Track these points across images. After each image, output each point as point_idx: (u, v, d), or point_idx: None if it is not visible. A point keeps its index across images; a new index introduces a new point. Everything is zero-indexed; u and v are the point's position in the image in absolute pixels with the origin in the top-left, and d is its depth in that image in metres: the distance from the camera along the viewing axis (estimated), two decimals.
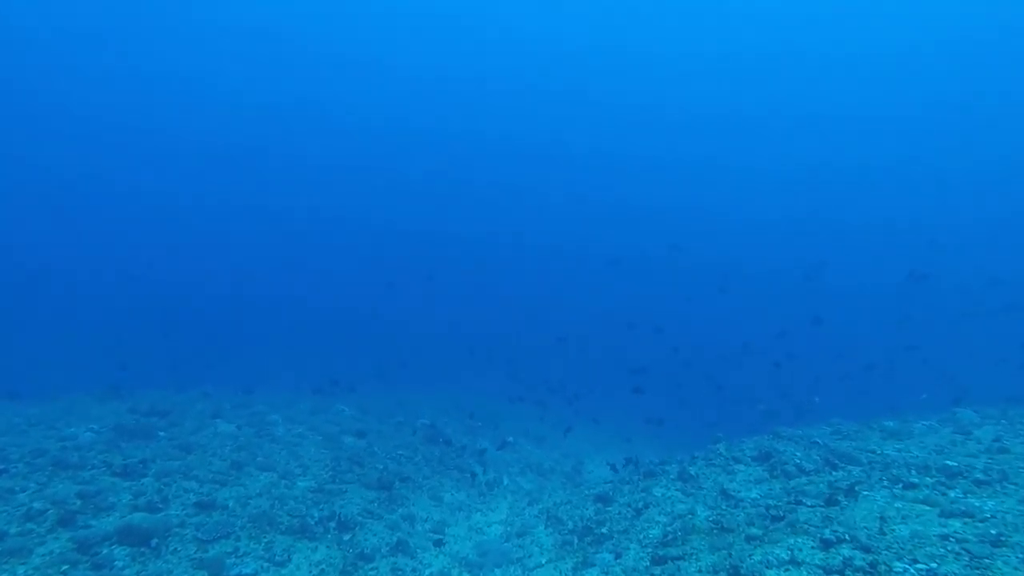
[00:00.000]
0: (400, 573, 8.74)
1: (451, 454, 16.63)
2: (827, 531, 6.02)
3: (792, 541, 6.13)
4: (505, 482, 15.86)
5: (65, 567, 6.61)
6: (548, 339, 28.35)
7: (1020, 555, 4.87)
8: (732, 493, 8.80)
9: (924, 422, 10.13)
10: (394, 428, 17.75)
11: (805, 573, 5.43)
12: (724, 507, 8.43)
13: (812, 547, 5.91)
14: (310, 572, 8.00)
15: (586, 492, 12.38)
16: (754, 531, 6.78)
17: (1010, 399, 13.31)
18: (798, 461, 9.00)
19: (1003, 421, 9.83)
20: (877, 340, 27.09)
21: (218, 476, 9.86)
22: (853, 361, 22.93)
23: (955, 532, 5.55)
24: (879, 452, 8.80)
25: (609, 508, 10.43)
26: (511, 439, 19.72)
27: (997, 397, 14.23)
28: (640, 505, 9.73)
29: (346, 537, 9.33)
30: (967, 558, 4.99)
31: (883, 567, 5.04)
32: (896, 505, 6.68)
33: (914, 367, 21.03)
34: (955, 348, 22.25)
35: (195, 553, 7.61)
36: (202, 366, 29.09)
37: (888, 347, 24.67)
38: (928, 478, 7.30)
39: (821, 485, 7.99)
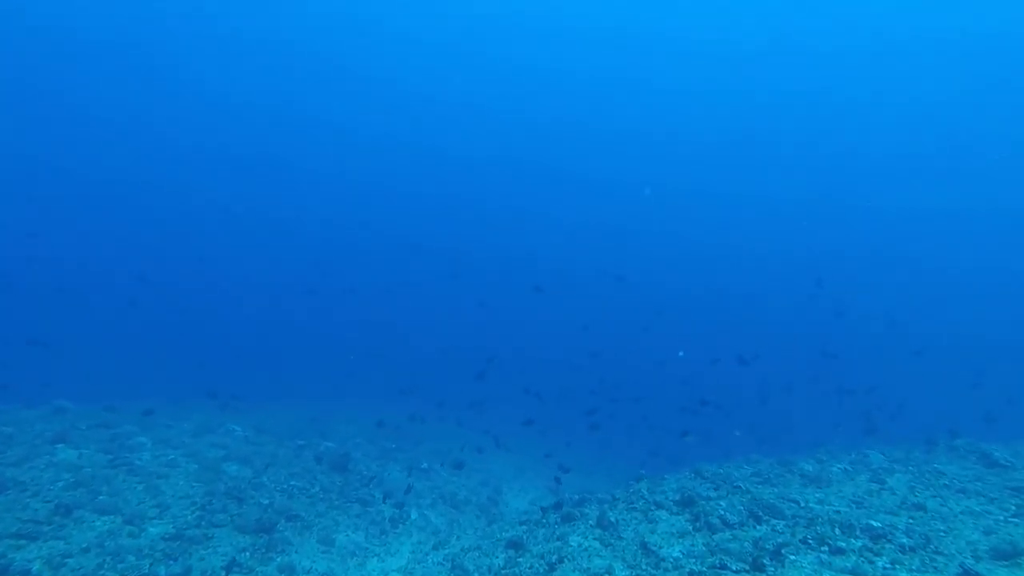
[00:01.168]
0: None
1: (355, 483, 14.95)
2: None
3: None
4: (413, 516, 14.38)
5: None
6: (479, 358, 27.18)
7: None
8: (653, 549, 8.00)
9: (839, 464, 9.96)
10: (294, 452, 15.79)
11: None
12: (644, 566, 7.61)
13: None
14: None
15: (498, 535, 11.24)
16: None
17: (911, 440, 13.76)
18: (722, 512, 8.38)
19: (911, 467, 9.83)
20: (798, 372, 28.26)
21: (29, 527, 7.74)
22: (775, 388, 23.58)
23: None
24: (802, 504, 8.36)
25: (521, 559, 9.34)
26: (425, 465, 18.28)
27: (900, 435, 14.73)
28: (554, 558, 8.72)
29: None
30: None
31: None
32: (825, 575, 6.11)
33: (827, 397, 21.95)
34: (872, 382, 23.48)
35: None
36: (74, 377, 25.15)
37: (806, 378, 25.75)
38: (854, 540, 6.83)
39: (746, 543, 7.37)
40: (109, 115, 57.46)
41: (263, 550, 9.75)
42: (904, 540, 6.58)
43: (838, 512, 7.88)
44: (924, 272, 54.26)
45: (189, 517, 9.91)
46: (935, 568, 5.80)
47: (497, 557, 9.96)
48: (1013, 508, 7.61)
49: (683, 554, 7.58)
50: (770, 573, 6.39)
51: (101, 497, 9.42)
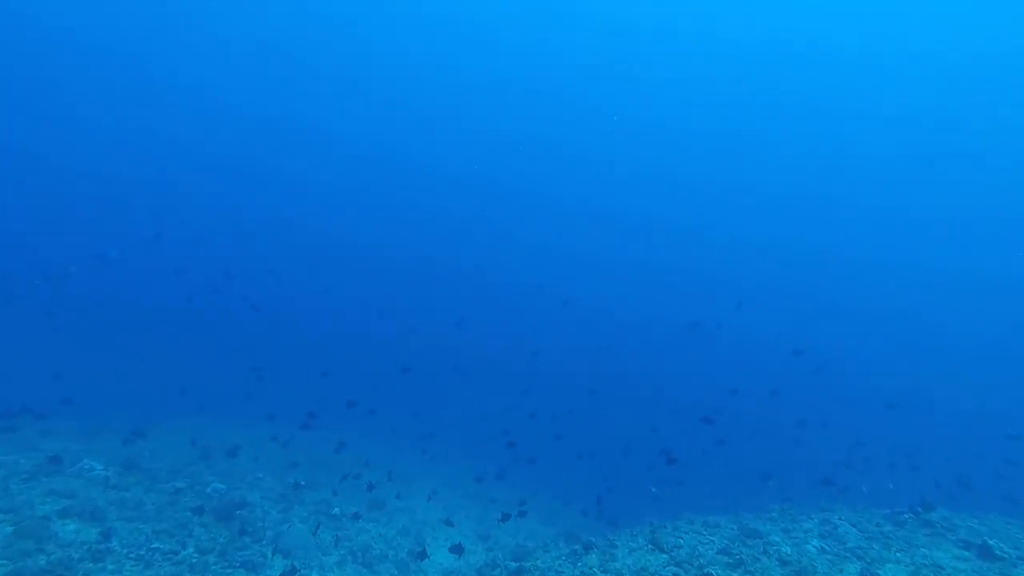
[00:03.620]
0: None
1: (244, 539, 12.23)
2: None
3: None
4: None
5: None
6: (392, 368, 24.64)
7: None
8: None
9: (813, 542, 8.79)
10: (168, 499, 12.79)
11: None
12: None
13: None
14: None
15: None
16: None
17: (871, 500, 13.12)
18: None
19: (896, 552, 8.76)
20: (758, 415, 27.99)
21: None
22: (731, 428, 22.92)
23: None
24: None
25: None
26: (337, 510, 15.69)
27: (856, 490, 14.08)
28: None
29: None
30: None
31: None
32: None
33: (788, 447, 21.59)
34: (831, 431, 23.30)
35: None
36: None
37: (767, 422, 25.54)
38: None
39: None
40: (108, 115, 53.03)
41: None
42: None
43: None
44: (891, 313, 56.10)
45: None
46: None
47: None
48: None
49: None
50: None
51: None
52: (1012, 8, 36.61)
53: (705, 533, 10.36)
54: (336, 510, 15.53)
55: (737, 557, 7.95)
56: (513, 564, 10.69)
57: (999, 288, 53.98)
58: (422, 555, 15.07)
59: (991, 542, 7.35)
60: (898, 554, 7.57)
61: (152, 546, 10.45)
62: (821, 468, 17.12)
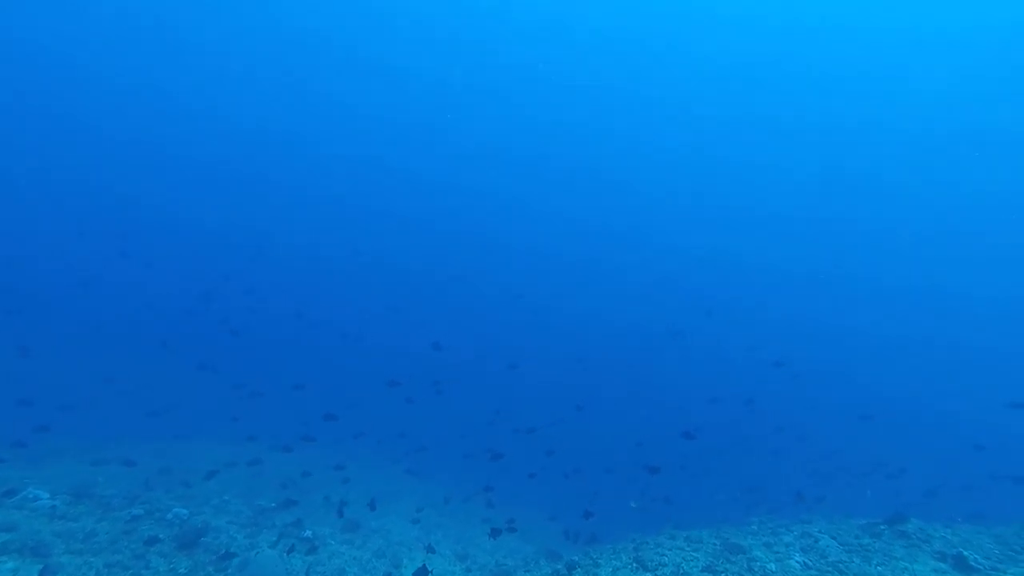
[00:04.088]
0: None
1: (207, 569, 11.52)
2: None
3: None
4: None
5: None
6: (373, 382, 24.04)
7: None
8: None
9: (797, 557, 8.76)
10: (123, 528, 11.97)
11: None
12: None
13: None
14: None
15: None
16: None
17: (841, 510, 13.26)
18: None
19: (877, 565, 8.84)
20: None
21: None
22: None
23: None
24: None
25: None
26: (309, 532, 15.02)
27: (830, 500, 14.25)
28: None
29: None
30: None
31: None
32: None
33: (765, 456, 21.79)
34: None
35: None
36: None
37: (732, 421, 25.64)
38: None
39: None
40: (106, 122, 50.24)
41: None
42: None
43: None
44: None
45: None
46: None
47: None
48: None
49: None
50: None
51: None
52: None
53: (688, 549, 10.24)
54: (308, 532, 14.86)
55: (722, 575, 7.85)
56: None
57: (978, 300, 55.73)
58: None
59: (966, 553, 7.46)
60: (879, 568, 7.60)
61: None
62: (798, 478, 17.32)
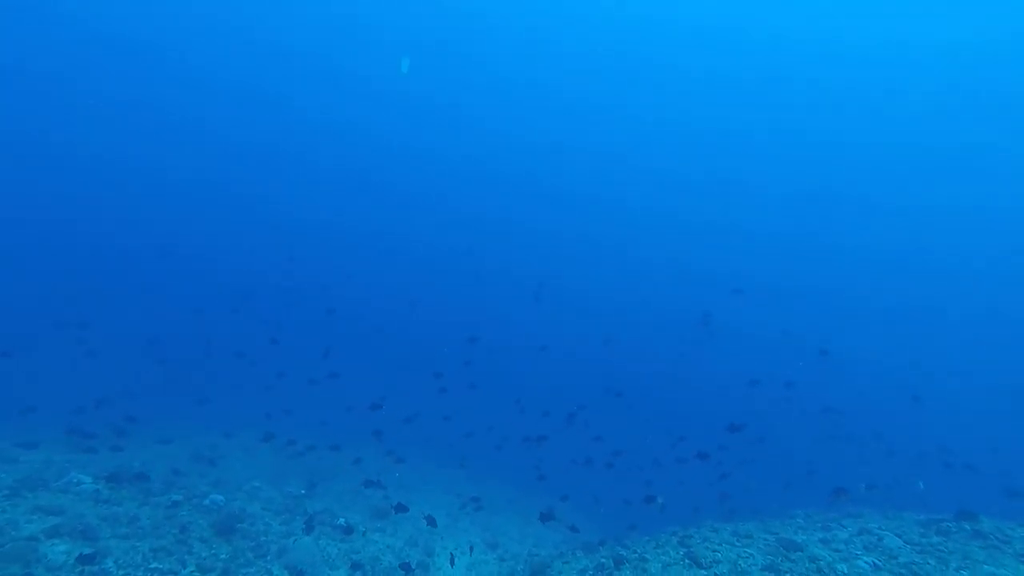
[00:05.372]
0: None
1: (247, 555, 11.51)
2: None
3: None
4: None
5: None
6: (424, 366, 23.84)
7: None
8: None
9: (866, 557, 8.29)
10: (165, 513, 11.99)
11: None
12: None
13: None
14: None
15: None
16: None
17: (894, 504, 12.70)
18: None
19: (957, 568, 8.36)
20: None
21: None
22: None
23: None
24: None
25: None
26: (343, 520, 14.98)
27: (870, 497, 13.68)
28: None
29: None
30: None
31: None
32: None
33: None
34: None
35: None
36: None
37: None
38: None
39: None
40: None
41: None
42: None
43: None
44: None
45: None
46: None
47: None
48: None
49: None
50: None
51: None
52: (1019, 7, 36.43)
53: (739, 545, 9.85)
54: (341, 520, 14.83)
55: (787, 575, 7.46)
56: None
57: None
58: (430, 565, 14.45)
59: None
60: (962, 573, 7.12)
61: (151, 566, 9.71)
62: (845, 468, 16.70)
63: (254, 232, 60.48)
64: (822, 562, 8.06)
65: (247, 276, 53.91)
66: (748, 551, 9.37)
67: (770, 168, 54.08)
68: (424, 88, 54.70)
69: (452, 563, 11.58)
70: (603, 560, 10.33)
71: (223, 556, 11.04)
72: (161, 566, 9.89)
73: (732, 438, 13.78)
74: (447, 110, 56.71)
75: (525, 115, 56.46)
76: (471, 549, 15.92)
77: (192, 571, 10.21)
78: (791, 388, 19.55)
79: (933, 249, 54.18)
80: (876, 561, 8.01)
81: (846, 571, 7.55)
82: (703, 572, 8.55)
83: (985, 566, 7.35)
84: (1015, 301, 52.65)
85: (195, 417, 22.21)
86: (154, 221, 57.31)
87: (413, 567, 14.05)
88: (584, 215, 61.91)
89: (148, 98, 51.74)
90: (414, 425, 21.08)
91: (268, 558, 11.72)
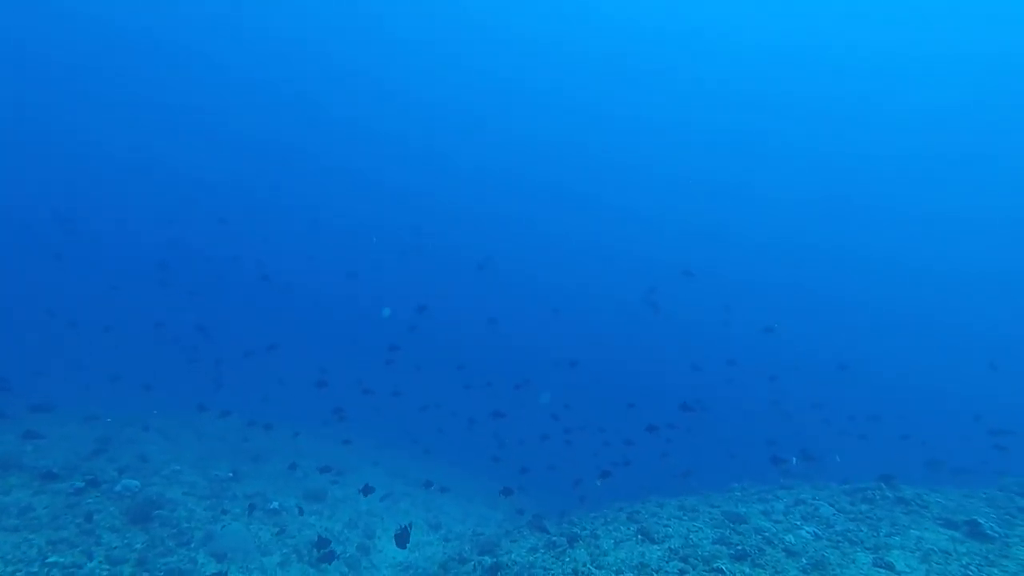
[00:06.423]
0: None
1: (167, 543, 10.41)
2: None
3: None
4: None
5: None
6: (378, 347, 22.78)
7: None
8: None
9: (808, 527, 8.69)
10: (66, 501, 10.59)
11: None
12: None
13: None
14: None
15: None
16: None
17: (821, 476, 13.56)
18: None
19: (893, 534, 8.87)
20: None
21: None
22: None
23: None
24: None
25: None
26: (276, 503, 14.02)
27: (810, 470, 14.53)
28: None
29: None
30: None
31: None
32: None
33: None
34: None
35: None
36: None
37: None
38: None
39: None
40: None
41: None
42: None
43: None
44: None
45: None
46: None
47: None
48: None
49: None
50: None
51: None
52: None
53: (687, 519, 10.09)
54: (274, 504, 13.86)
55: (739, 548, 7.64)
56: (488, 559, 9.83)
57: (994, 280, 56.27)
58: (371, 548, 13.89)
59: (980, 520, 7.58)
60: (895, 539, 7.61)
61: (48, 560, 8.48)
62: (781, 438, 17.64)
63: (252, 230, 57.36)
64: (768, 533, 8.35)
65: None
66: (696, 524, 9.59)
67: (770, 173, 55.18)
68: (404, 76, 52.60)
69: (405, 544, 11.07)
70: (554, 538, 10.25)
71: (138, 546, 9.91)
72: (62, 559, 8.68)
73: (682, 415, 14.07)
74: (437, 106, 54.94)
75: (525, 115, 55.73)
76: (409, 526, 15.46)
77: (100, 563, 9.07)
78: (733, 365, 20.48)
79: (936, 255, 56.09)
80: (816, 531, 8.40)
81: (793, 541, 7.84)
82: (656, 547, 8.63)
83: (911, 530, 7.88)
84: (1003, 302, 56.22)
85: (107, 397, 20.01)
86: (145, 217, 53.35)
87: (354, 550, 13.43)
88: (582, 215, 62.36)
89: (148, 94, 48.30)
90: (362, 403, 20.15)
91: (192, 546, 10.68)
